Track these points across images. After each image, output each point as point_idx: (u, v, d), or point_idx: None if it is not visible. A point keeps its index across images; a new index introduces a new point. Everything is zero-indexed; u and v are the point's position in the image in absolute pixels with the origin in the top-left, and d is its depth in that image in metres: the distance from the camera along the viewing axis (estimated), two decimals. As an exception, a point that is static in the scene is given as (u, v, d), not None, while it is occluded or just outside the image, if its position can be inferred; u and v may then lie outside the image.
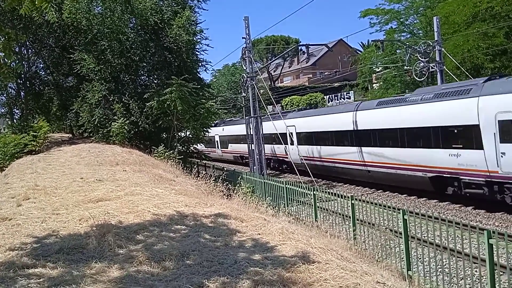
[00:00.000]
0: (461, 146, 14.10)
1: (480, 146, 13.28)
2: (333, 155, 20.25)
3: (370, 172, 16.36)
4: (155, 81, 22.06)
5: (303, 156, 21.28)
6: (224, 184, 13.73)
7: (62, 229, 6.41)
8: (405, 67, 24.59)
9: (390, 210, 8.85)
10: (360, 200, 9.84)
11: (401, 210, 8.27)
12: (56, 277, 4.60)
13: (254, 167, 22.52)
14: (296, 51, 63.26)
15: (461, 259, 7.11)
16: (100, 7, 20.41)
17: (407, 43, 24.00)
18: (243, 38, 21.80)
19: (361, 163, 17.30)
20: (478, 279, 7.05)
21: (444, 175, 14.92)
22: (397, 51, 30.07)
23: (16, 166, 13.98)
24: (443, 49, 20.78)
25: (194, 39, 20.76)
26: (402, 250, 8.29)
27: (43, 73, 25.69)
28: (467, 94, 13.86)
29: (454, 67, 20.41)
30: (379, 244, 8.87)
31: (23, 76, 22.57)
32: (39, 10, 5.42)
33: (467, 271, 7.24)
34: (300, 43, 55.56)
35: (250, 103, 22.46)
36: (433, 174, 15.34)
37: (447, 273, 7.60)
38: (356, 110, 18.34)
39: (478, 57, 20.78)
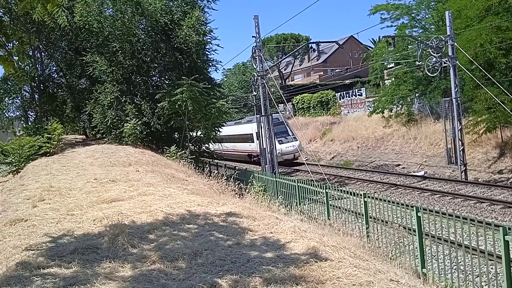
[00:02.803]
0: (250, 142, 31.58)
1: (253, 141, 30.46)
2: (227, 147, 32.99)
3: (235, 154, 32.21)
4: (166, 82, 22.19)
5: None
6: (236, 183, 13.75)
7: (77, 229, 6.48)
8: (417, 63, 24.24)
9: (403, 207, 8.78)
10: (373, 197, 9.78)
11: (414, 207, 8.21)
12: (71, 276, 4.66)
13: (266, 166, 22.52)
14: (306, 49, 63.04)
15: (476, 256, 7.03)
16: (111, 10, 20.59)
17: (419, 38, 23.70)
18: (253, 37, 21.79)
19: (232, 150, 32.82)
20: (494, 277, 6.95)
21: (248, 153, 33.01)
22: (409, 46, 29.66)
23: (31, 168, 14.18)
24: (455, 43, 20.48)
25: (204, 39, 20.80)
26: (416, 248, 8.22)
27: (56, 75, 26.03)
28: (251, 122, 29.96)
29: (467, 62, 20.10)
30: (393, 241, 8.81)
31: (37, 79, 22.88)
32: (50, 14, 5.50)
33: (482, 268, 7.16)
34: (311, 41, 55.39)
35: (261, 102, 22.47)
36: (247, 153, 33.24)
37: (462, 271, 7.52)
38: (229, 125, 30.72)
39: (491, 51, 20.42)
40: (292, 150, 29.86)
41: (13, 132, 28.22)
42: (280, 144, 28.73)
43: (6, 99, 23.70)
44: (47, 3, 5.19)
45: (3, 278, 4.65)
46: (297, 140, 30.32)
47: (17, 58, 6.46)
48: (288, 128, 31.21)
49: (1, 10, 19.51)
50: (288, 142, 29.92)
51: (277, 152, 27.59)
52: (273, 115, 33.04)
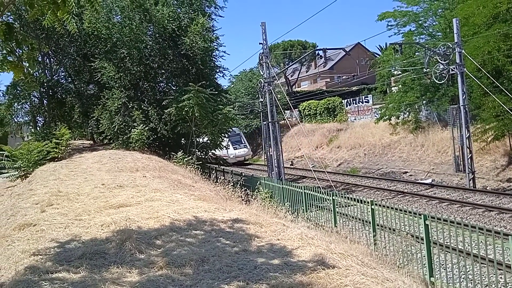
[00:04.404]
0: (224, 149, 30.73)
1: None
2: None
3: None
4: (173, 88, 22.29)
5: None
6: (243, 190, 13.74)
7: (85, 234, 6.52)
8: (425, 70, 24.15)
9: (411, 215, 8.73)
10: (380, 205, 9.73)
11: (422, 215, 8.15)
12: (79, 281, 4.69)
13: (272, 172, 22.49)
14: (313, 56, 63.11)
15: (485, 265, 6.96)
16: (119, 16, 20.78)
17: (426, 45, 23.64)
18: (260, 43, 21.91)
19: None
20: (503, 286, 6.88)
21: (223, 157, 31.48)
22: (416, 53, 29.59)
23: (40, 173, 14.28)
24: (463, 51, 20.42)
25: (211, 45, 20.91)
26: (424, 256, 8.15)
27: (65, 81, 26.19)
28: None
29: (475, 69, 20.03)
30: (400, 249, 8.74)
31: (45, 84, 23.07)
32: (60, 21, 5.55)
33: (491, 277, 7.08)
34: (317, 48, 55.45)
35: (267, 108, 22.51)
36: (225, 158, 33.50)
37: (471, 280, 7.45)
38: None
39: (499, 59, 20.34)
40: (243, 154, 40.71)
41: (21, 137, 28.49)
42: (235, 149, 39.40)
43: (15, 104, 23.90)
44: (57, 10, 5.25)
45: (13, 283, 4.69)
46: (247, 147, 41.35)
47: (27, 64, 6.52)
48: (241, 138, 41.61)
49: (12, 17, 19.81)
50: (241, 148, 40.51)
51: (232, 155, 38.49)
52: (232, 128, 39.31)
